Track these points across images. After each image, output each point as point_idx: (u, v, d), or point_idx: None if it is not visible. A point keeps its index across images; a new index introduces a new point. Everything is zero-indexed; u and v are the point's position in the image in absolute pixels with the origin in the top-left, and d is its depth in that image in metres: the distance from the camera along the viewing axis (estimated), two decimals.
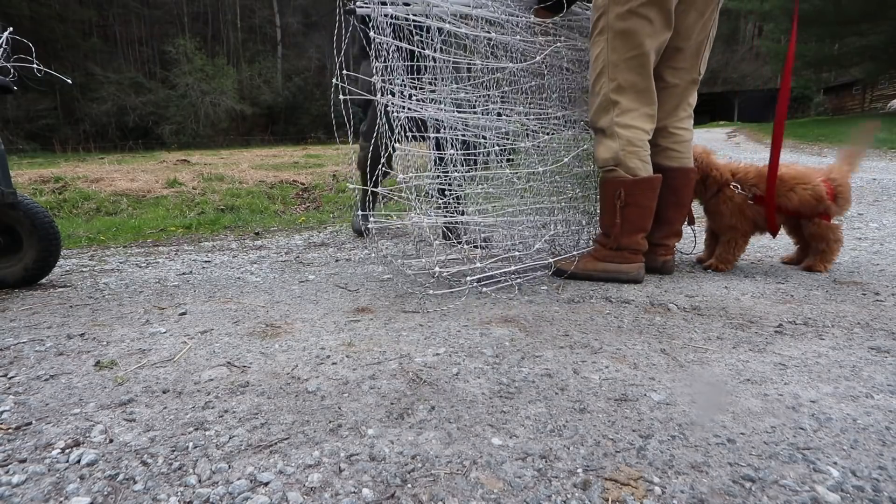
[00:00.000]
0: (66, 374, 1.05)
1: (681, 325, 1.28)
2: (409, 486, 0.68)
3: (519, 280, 1.72)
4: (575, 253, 1.86)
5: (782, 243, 2.20)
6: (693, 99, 1.80)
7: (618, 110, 1.65)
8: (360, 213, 2.74)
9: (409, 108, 1.54)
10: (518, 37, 1.77)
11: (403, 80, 1.55)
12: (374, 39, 1.50)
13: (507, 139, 1.75)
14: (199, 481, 0.69)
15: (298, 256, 2.30)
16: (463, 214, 1.71)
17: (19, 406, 0.91)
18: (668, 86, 1.75)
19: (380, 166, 1.76)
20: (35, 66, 1.73)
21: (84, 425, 0.84)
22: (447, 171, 1.59)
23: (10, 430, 0.83)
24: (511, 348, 1.13)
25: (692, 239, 2.16)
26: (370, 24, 1.52)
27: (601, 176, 1.75)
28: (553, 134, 1.88)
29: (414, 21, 1.57)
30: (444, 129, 1.58)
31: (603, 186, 1.74)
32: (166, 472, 0.71)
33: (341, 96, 1.49)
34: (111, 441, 0.79)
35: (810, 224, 1.75)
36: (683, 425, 0.81)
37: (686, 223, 1.91)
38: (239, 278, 1.89)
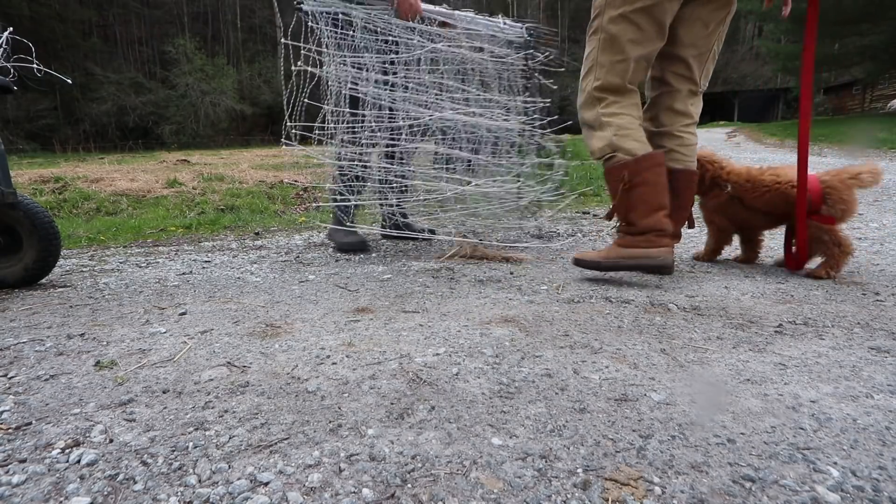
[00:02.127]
0: (66, 374, 1.05)
1: (681, 325, 1.28)
2: (409, 486, 0.68)
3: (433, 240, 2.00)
4: (594, 250, 1.90)
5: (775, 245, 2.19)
6: (695, 108, 1.80)
7: (603, 105, 1.67)
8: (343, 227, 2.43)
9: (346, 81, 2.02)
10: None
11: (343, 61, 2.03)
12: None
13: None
14: (199, 481, 0.69)
15: (298, 256, 2.30)
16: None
17: (19, 406, 0.91)
18: (672, 90, 1.76)
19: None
20: (35, 66, 1.73)
21: (84, 425, 0.84)
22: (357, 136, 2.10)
23: (10, 430, 0.83)
24: (511, 348, 1.13)
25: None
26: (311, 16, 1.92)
27: (603, 168, 1.73)
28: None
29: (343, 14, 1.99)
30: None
31: (607, 176, 1.72)
32: (166, 472, 0.71)
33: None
34: (111, 441, 0.79)
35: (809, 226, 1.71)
36: (683, 425, 0.81)
37: (686, 226, 1.91)
38: (239, 278, 1.89)
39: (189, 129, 29.81)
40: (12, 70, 1.73)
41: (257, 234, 3.12)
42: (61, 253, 1.99)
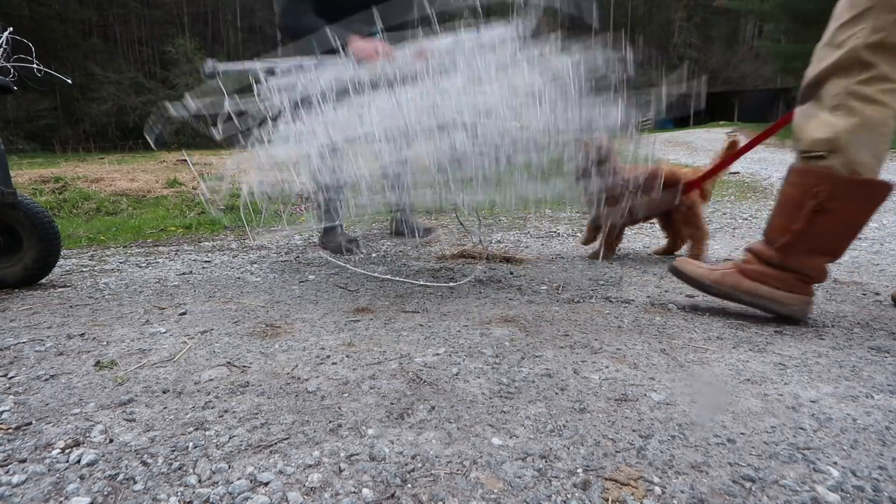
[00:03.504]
0: (66, 374, 1.04)
1: (681, 325, 1.28)
2: (409, 486, 0.68)
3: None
4: (710, 265, 1.40)
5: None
6: None
7: (865, 75, 1.08)
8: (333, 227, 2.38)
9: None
10: None
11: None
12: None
13: None
14: (199, 481, 0.69)
15: (298, 256, 2.30)
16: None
17: (19, 406, 0.91)
18: None
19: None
20: (35, 66, 1.73)
21: (84, 425, 0.84)
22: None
23: (10, 430, 0.83)
24: (511, 348, 1.13)
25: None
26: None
27: (797, 163, 1.20)
28: None
29: None
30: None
31: (795, 174, 1.20)
32: (166, 472, 0.71)
33: None
34: (111, 441, 0.79)
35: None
36: (683, 425, 0.81)
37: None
38: (239, 278, 1.89)
39: (189, 129, 29.83)
40: (12, 70, 1.73)
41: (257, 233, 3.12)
42: (61, 253, 1.99)
